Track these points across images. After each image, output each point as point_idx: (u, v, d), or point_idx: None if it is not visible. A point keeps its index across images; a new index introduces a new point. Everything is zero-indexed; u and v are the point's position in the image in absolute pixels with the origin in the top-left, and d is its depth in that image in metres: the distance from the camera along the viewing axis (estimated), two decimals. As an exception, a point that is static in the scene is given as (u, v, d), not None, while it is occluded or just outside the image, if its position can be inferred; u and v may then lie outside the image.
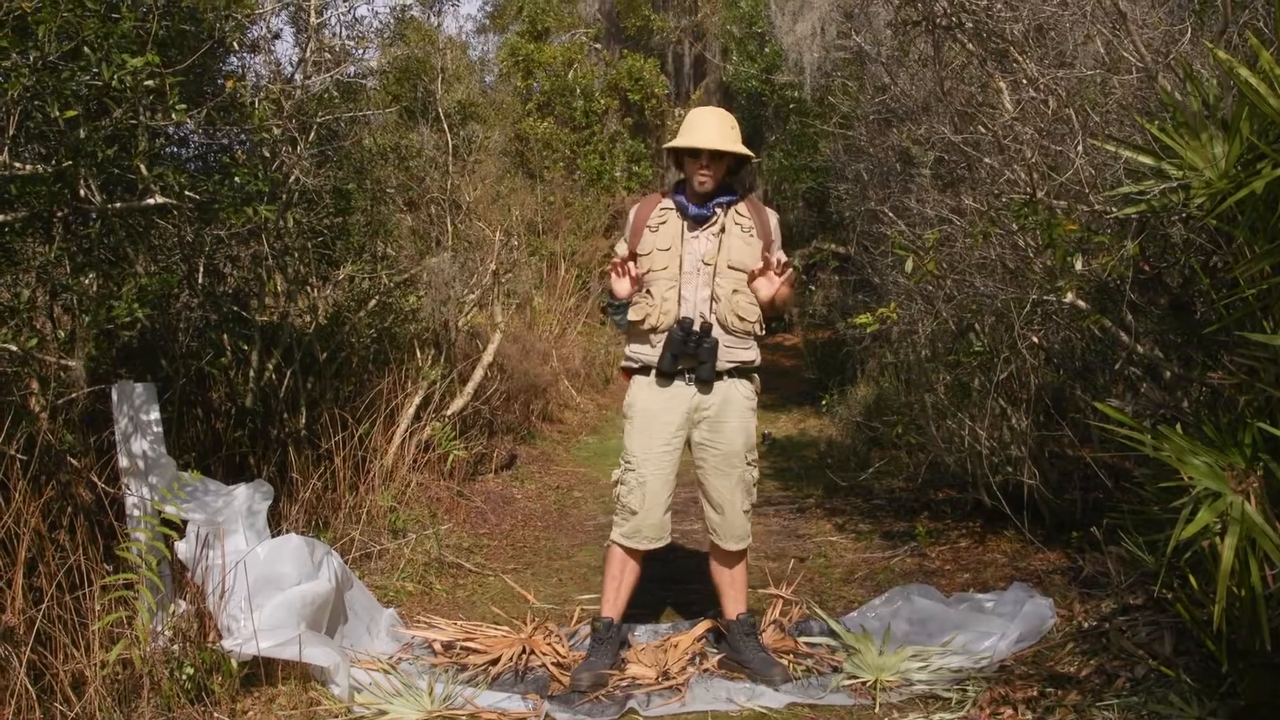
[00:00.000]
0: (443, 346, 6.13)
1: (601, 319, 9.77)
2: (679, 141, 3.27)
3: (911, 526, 4.90)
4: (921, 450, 5.16)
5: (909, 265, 3.98)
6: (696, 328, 3.21)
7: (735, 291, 3.25)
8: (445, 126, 6.65)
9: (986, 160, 3.94)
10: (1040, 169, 3.58)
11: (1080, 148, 3.45)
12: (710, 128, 3.26)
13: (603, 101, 13.25)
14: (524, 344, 8.27)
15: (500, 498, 5.95)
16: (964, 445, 4.57)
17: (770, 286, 3.22)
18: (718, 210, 3.28)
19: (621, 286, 3.22)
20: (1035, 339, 4.11)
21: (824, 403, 7.50)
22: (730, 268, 3.25)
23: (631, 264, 3.20)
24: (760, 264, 3.26)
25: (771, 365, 11.66)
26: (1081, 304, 3.60)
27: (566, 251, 10.61)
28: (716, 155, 3.26)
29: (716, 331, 3.25)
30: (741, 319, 3.26)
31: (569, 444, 7.77)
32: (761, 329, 3.35)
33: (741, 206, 3.31)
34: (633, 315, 3.26)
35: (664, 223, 3.29)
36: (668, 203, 3.33)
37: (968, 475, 4.67)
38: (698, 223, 3.28)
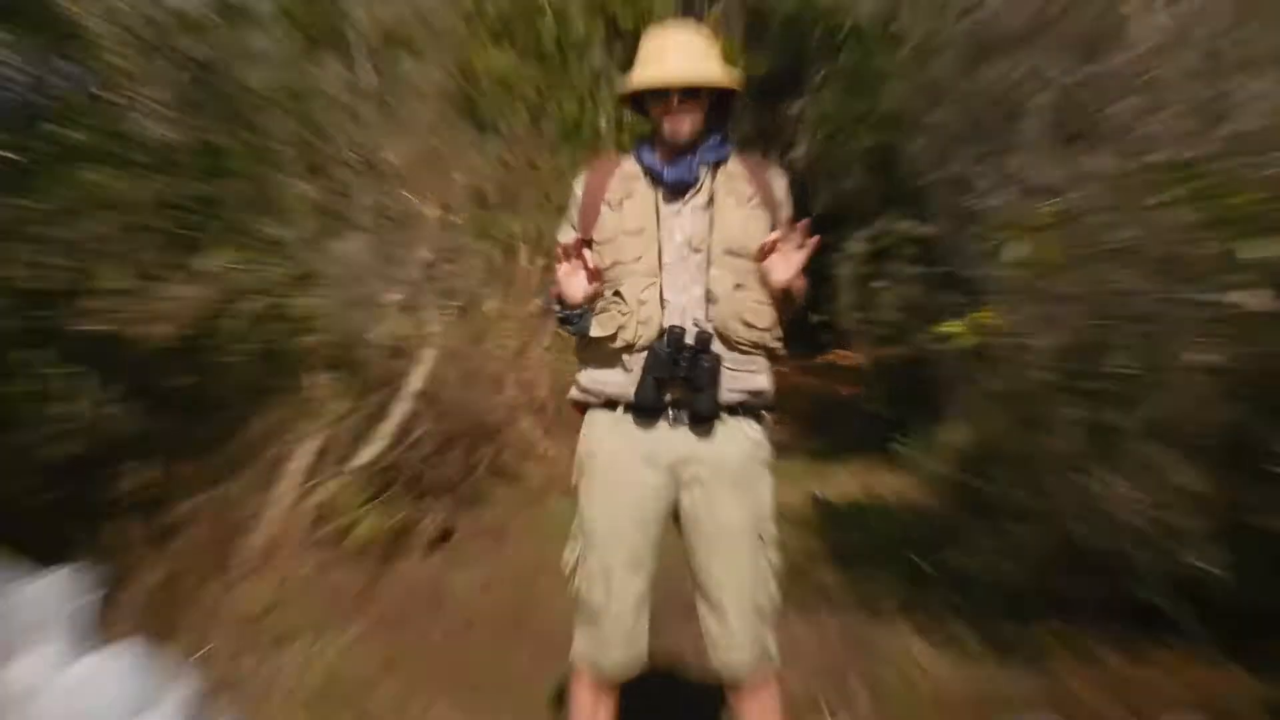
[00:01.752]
0: (352, 368, 6.24)
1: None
2: (634, 81, 3.31)
3: (1034, 632, 4.91)
4: (1045, 520, 5.18)
5: (1016, 250, 4.07)
6: (690, 340, 3.22)
7: (739, 287, 3.27)
8: (362, 57, 6.82)
9: (1117, 107, 4.02)
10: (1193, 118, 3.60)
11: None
12: (675, 53, 3.29)
13: (583, 27, 13.27)
14: (468, 365, 8.33)
15: (430, 591, 5.96)
16: (1108, 512, 4.60)
17: (789, 264, 3.21)
18: (702, 171, 3.32)
19: (574, 285, 3.23)
20: (1206, 357, 4.13)
21: (899, 450, 7.63)
22: (729, 253, 3.27)
23: (587, 251, 3.22)
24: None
25: (822, 395, 11.78)
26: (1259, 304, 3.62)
27: (530, 234, 10.73)
28: (690, 91, 3.28)
29: (716, 346, 3.28)
30: (750, 325, 3.28)
31: (531, 511, 7.77)
32: (778, 340, 3.37)
33: (734, 164, 3.36)
34: (597, 330, 3.30)
35: (629, 196, 3.34)
36: (630, 166, 3.38)
37: (1114, 556, 4.67)
38: (676, 192, 3.32)
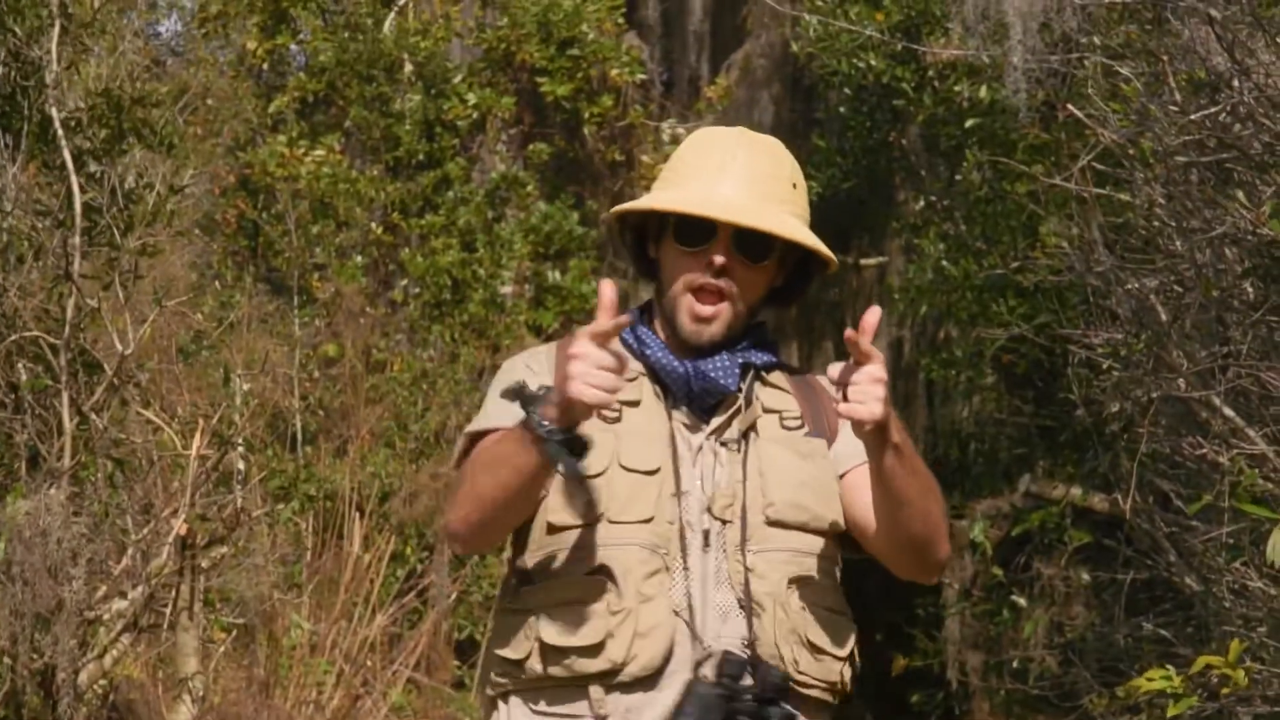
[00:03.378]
0: None
1: None
2: (666, 201, 2.66)
3: None
4: None
5: (1277, 545, 3.82)
6: (749, 680, 2.51)
7: (796, 582, 2.61)
8: (66, 154, 6.32)
9: None
10: None
11: None
12: (742, 174, 2.67)
13: (473, 99, 11.30)
14: None
15: None
16: None
17: (867, 388, 2.46)
18: (739, 378, 2.74)
19: (597, 374, 2.37)
20: None
21: None
22: (775, 523, 2.63)
23: (612, 309, 2.44)
24: (838, 505, 2.67)
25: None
26: None
27: (370, 490, 9.62)
28: (753, 243, 2.63)
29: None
30: (820, 651, 2.58)
31: None
32: (851, 680, 2.67)
33: (777, 375, 2.79)
34: (562, 637, 2.57)
35: (635, 403, 2.68)
36: (621, 352, 2.58)
37: None
38: (703, 408, 2.69)
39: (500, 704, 2.68)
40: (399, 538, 9.84)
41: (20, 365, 6.23)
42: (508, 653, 2.63)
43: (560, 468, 2.51)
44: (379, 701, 8.96)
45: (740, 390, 2.68)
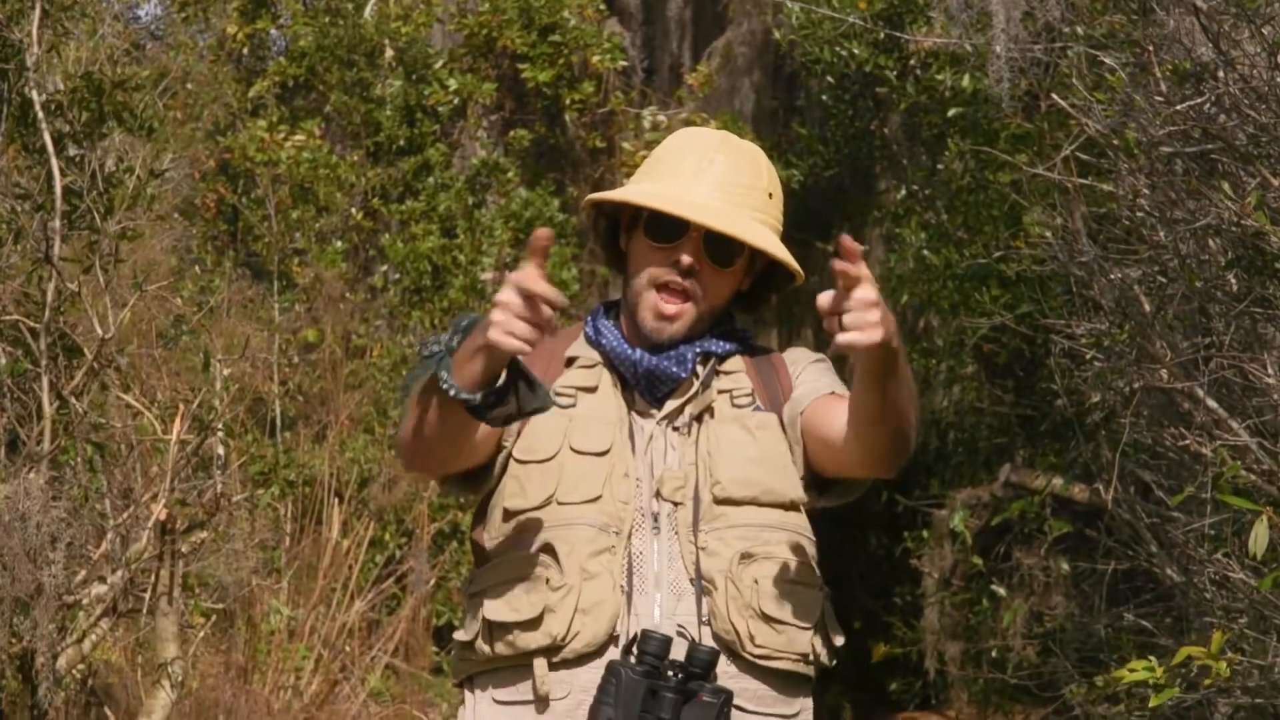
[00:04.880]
0: (14, 719, 5.94)
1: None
2: (640, 195, 2.68)
3: None
4: None
5: (1259, 537, 3.76)
6: (679, 655, 2.51)
7: (748, 557, 2.60)
8: (47, 138, 6.20)
9: None
10: None
11: None
12: (719, 179, 2.69)
13: (454, 84, 11.24)
14: (233, 717, 7.79)
15: None
16: None
17: (863, 306, 2.38)
18: (696, 366, 2.72)
19: (517, 323, 2.36)
20: None
21: None
22: (726, 501, 2.63)
23: (541, 280, 2.41)
24: (794, 475, 2.67)
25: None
26: None
27: (349, 476, 9.59)
28: (722, 247, 2.67)
29: (725, 669, 2.56)
30: (777, 622, 2.57)
31: None
32: (825, 650, 2.65)
33: (734, 360, 2.79)
34: (503, 611, 2.58)
35: (591, 389, 2.72)
36: (581, 347, 2.77)
37: None
38: (652, 395, 2.71)
39: (467, 694, 2.72)
40: (378, 523, 9.84)
41: (0, 349, 6.20)
42: (462, 635, 2.67)
43: (445, 385, 2.49)
44: (357, 687, 8.95)
45: (697, 376, 2.69)
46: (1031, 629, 8.76)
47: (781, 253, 2.73)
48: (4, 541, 5.62)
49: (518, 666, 2.61)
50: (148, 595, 6.15)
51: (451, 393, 2.41)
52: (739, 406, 2.78)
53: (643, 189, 2.73)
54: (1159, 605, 6.01)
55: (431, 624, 10.01)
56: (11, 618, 5.66)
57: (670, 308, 2.71)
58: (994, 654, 9.05)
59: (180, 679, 6.35)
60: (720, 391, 2.78)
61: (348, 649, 9.15)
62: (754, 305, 2.87)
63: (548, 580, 2.61)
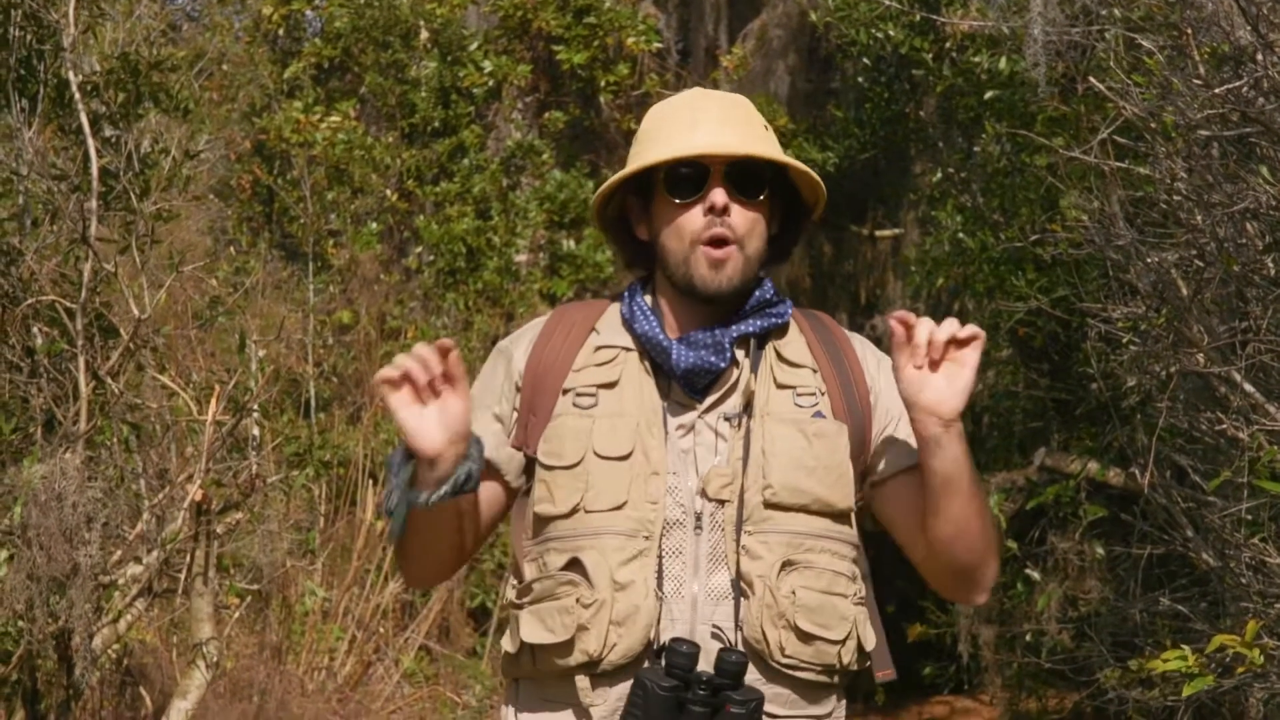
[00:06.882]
0: (49, 698, 5.90)
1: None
2: (648, 157, 2.61)
3: None
4: None
5: None
6: (708, 664, 2.45)
7: (789, 566, 2.53)
8: (83, 118, 6.10)
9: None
10: None
11: None
12: (715, 120, 2.65)
13: (489, 66, 11.13)
14: (267, 698, 7.66)
15: None
16: None
17: (956, 371, 2.51)
18: (738, 352, 2.62)
19: (428, 420, 2.46)
20: None
21: None
22: (775, 506, 2.54)
23: (452, 355, 2.47)
24: (848, 485, 2.59)
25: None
26: None
27: (383, 457, 9.47)
28: (745, 179, 2.59)
29: (754, 677, 2.48)
30: (808, 636, 2.51)
31: None
32: (854, 657, 2.58)
33: (791, 335, 2.69)
34: (537, 633, 2.54)
35: (611, 384, 2.62)
36: (612, 327, 2.67)
37: None
38: (692, 389, 2.60)
39: (514, 685, 2.71)
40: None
41: (36, 329, 6.19)
42: (506, 645, 2.67)
43: (392, 519, 2.56)
44: (391, 668, 8.90)
45: (738, 364, 2.62)
46: (1066, 613, 8.68)
47: (800, 164, 2.70)
48: (40, 521, 5.63)
49: (561, 676, 2.59)
50: (183, 575, 6.18)
51: (435, 499, 2.47)
52: (800, 406, 2.70)
53: (655, 147, 2.69)
54: (1194, 590, 5.94)
55: (466, 605, 9.99)
56: (48, 597, 5.68)
57: (719, 253, 2.63)
58: (1028, 638, 8.95)
59: (215, 659, 6.34)
60: (781, 385, 2.70)
61: (381, 630, 9.15)
62: (784, 250, 2.82)
63: (579, 599, 2.58)
